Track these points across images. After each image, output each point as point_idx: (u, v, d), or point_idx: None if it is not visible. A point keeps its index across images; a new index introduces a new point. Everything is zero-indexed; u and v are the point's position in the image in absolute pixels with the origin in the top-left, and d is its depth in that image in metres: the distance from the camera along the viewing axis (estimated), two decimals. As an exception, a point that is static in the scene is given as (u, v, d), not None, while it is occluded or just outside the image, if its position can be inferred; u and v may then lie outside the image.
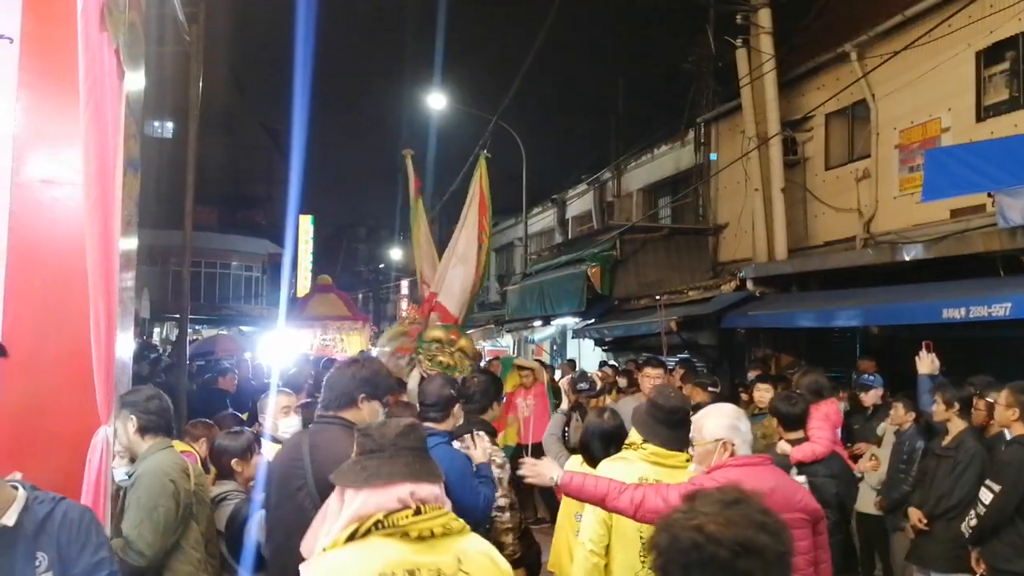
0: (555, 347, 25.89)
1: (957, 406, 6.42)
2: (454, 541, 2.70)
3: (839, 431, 6.30)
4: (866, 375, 9.95)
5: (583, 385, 7.48)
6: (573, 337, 22.51)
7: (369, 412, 4.06)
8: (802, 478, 5.38)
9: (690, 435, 4.04)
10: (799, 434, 5.91)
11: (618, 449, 4.87)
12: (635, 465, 4.36)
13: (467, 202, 11.78)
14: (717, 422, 3.89)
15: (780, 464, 4.81)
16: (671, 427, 4.38)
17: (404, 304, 20.99)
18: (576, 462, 5.25)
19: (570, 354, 23.01)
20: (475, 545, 2.79)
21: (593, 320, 18.76)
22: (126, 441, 4.46)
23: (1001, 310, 7.99)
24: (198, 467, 4.77)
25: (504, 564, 2.83)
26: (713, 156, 16.62)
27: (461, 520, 2.79)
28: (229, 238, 43.82)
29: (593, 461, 4.99)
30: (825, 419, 6.19)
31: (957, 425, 6.44)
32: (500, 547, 3.92)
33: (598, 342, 20.07)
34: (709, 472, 3.79)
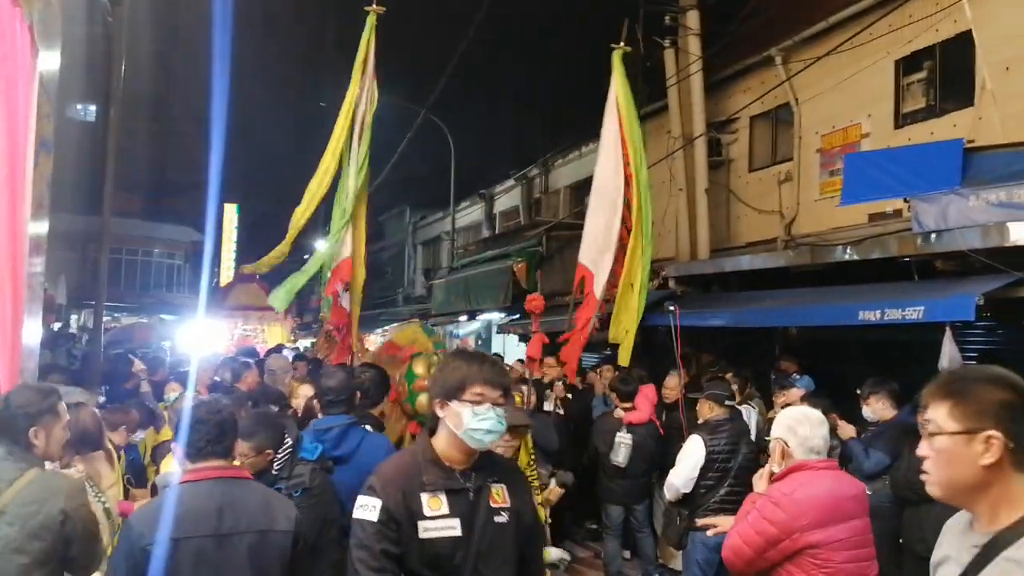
0: (480, 342, 25.90)
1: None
2: None
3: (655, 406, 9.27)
4: (794, 375, 10.11)
5: None
6: (498, 332, 22.53)
7: None
8: (629, 435, 8.75)
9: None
10: (630, 405, 9.02)
11: None
12: None
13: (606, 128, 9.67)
14: (777, 421, 4.27)
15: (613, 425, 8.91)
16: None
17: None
18: None
19: (495, 349, 23.03)
20: None
21: (518, 316, 18.75)
22: None
23: (914, 313, 8.13)
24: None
25: None
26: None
27: None
28: (151, 225, 43.18)
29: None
30: (646, 398, 9.18)
31: None
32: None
33: (523, 338, 20.09)
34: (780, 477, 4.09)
